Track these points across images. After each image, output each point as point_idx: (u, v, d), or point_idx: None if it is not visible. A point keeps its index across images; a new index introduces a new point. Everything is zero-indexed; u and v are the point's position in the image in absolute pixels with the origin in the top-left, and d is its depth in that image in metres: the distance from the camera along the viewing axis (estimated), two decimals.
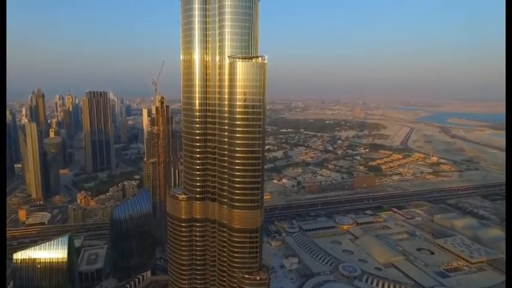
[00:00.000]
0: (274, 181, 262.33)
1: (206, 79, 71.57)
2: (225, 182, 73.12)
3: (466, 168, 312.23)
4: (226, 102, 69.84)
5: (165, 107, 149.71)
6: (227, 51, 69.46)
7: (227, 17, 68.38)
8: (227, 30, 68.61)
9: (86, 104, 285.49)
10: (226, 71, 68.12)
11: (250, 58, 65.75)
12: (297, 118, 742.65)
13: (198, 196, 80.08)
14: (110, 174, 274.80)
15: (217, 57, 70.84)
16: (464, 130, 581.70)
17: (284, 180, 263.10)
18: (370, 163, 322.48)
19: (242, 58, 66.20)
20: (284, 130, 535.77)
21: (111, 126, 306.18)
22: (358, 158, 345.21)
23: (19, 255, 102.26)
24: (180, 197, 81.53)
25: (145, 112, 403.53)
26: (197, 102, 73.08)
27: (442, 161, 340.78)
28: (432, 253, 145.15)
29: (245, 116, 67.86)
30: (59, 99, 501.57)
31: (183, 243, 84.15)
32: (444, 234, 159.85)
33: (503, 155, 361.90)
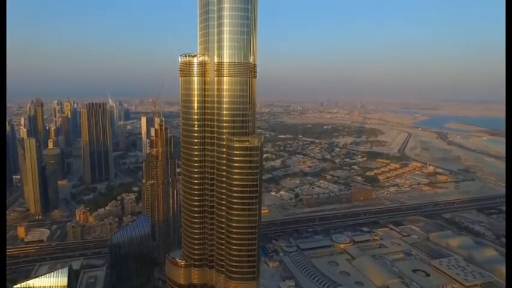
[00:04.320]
0: (272, 193, 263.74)
1: (205, 154, 73.77)
2: (223, 252, 75.05)
3: (462, 179, 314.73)
4: (224, 179, 71.54)
5: (164, 129, 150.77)
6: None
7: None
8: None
9: (84, 115, 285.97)
10: (225, 150, 69.68)
11: (247, 140, 67.54)
12: (295, 123, 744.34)
13: (196, 263, 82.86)
14: (108, 185, 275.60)
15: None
16: (461, 136, 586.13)
17: (282, 193, 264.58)
18: (367, 173, 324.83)
19: (239, 140, 67.80)
20: (282, 136, 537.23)
21: (109, 137, 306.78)
22: (356, 167, 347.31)
23: (18, 287, 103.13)
24: (179, 263, 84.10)
25: (143, 121, 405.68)
26: (196, 175, 75.29)
27: (439, 170, 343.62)
28: (428, 275, 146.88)
29: (242, 195, 69.63)
30: (57, 105, 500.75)
31: None
32: (439, 254, 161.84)
33: (500, 163, 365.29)
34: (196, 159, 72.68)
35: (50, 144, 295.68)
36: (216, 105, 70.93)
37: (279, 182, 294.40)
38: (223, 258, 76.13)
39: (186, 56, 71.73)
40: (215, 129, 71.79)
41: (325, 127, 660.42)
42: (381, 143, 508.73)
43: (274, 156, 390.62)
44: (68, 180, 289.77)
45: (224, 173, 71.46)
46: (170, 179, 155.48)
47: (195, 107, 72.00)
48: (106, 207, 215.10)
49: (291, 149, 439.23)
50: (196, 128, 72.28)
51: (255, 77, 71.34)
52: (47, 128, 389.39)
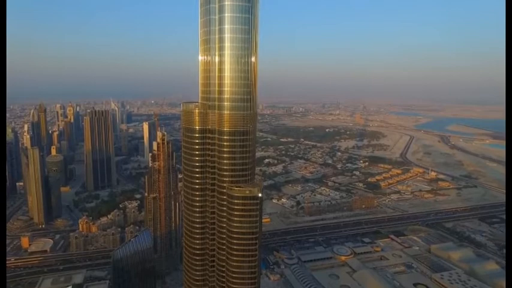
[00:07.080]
0: (273, 201, 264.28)
1: (206, 200, 75.10)
2: None
3: (464, 185, 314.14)
4: (224, 225, 73.19)
5: (166, 143, 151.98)
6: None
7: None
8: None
9: (87, 123, 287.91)
10: (225, 198, 71.00)
11: (247, 190, 68.93)
12: (297, 125, 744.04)
13: None
14: (111, 192, 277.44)
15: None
16: (464, 139, 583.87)
17: (283, 200, 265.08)
18: (369, 179, 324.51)
19: (239, 190, 68.97)
20: (284, 140, 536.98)
21: (112, 143, 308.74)
22: (357, 173, 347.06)
23: None
24: None
25: (146, 126, 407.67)
26: (198, 220, 77.27)
27: (441, 176, 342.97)
28: None
29: (242, 242, 71.38)
30: (60, 109, 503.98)
31: None
32: (441, 267, 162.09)
33: (502, 169, 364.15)
34: (197, 204, 74.41)
35: (53, 151, 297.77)
36: (217, 153, 72.82)
37: (280, 188, 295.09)
38: None
39: (187, 104, 73.13)
40: (216, 176, 73.74)
41: (327, 130, 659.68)
42: (383, 146, 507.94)
43: (276, 162, 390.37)
44: (71, 187, 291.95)
45: (224, 219, 73.30)
46: (172, 192, 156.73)
47: (197, 154, 73.58)
48: (109, 216, 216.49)
49: (292, 154, 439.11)
50: (197, 175, 74.20)
51: (256, 129, 72.81)
52: (50, 132, 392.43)
